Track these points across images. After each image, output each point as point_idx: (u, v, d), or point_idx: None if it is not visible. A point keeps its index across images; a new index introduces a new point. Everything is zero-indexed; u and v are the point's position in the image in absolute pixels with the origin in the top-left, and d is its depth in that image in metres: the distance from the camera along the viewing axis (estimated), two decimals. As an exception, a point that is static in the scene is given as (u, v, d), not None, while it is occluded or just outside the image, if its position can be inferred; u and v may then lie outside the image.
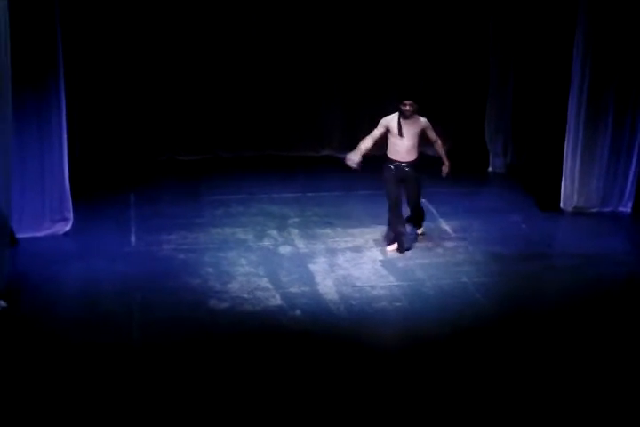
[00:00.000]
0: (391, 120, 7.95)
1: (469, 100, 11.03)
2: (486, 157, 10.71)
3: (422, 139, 8.08)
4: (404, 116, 7.90)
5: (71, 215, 8.53)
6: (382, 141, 8.02)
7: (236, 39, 10.62)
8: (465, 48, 10.86)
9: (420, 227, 8.58)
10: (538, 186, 9.84)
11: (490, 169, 10.69)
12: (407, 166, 8.02)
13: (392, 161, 8.03)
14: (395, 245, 8.22)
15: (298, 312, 7.10)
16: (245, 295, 7.36)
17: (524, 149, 10.53)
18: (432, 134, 8.08)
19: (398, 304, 7.26)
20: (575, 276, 7.84)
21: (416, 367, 6.34)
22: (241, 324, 6.92)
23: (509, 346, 6.64)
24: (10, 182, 7.37)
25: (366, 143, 7.95)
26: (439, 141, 8.16)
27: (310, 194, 9.81)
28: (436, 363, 6.40)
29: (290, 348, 6.57)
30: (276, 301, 7.28)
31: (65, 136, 8.27)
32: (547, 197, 9.48)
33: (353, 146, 10.98)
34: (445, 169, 8.19)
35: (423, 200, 9.53)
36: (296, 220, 9.06)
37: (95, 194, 9.55)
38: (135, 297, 7.30)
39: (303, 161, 10.98)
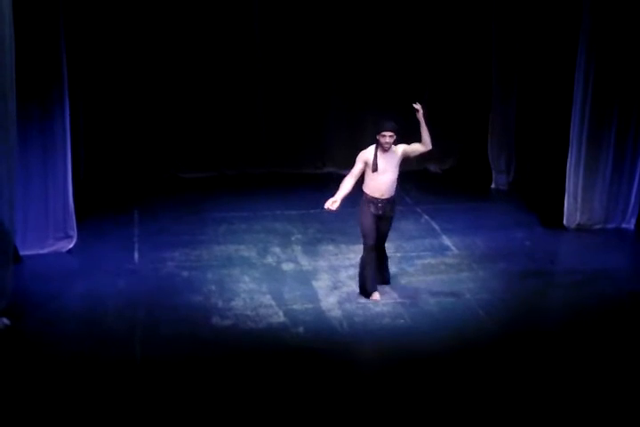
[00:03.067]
0: (369, 154, 7.23)
1: (473, 117, 11.07)
2: (489, 174, 10.73)
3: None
4: (382, 148, 7.19)
5: (75, 233, 8.54)
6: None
7: (240, 58, 10.69)
8: (468, 65, 10.91)
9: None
10: (541, 203, 9.86)
11: (493, 186, 10.71)
12: (388, 203, 7.34)
13: (371, 198, 7.31)
14: (377, 294, 7.50)
15: (301, 329, 7.08)
16: (248, 312, 7.35)
17: (527, 166, 10.56)
18: (412, 146, 7.29)
19: (401, 321, 7.24)
20: (578, 293, 7.82)
21: (419, 384, 6.31)
22: (244, 341, 6.90)
23: (513, 363, 6.61)
24: (14, 200, 7.39)
25: (348, 184, 7.27)
26: (418, 143, 7.29)
27: (313, 211, 9.80)
28: (439, 380, 6.37)
29: (293, 365, 6.56)
30: (279, 318, 7.27)
31: (69, 154, 8.30)
32: (550, 214, 9.49)
33: (355, 163, 11.15)
34: (418, 109, 7.23)
35: (426, 217, 9.60)
36: (299, 237, 9.06)
37: (99, 211, 9.57)
38: (138, 314, 7.30)
39: (306, 178, 11.00)
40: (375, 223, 7.38)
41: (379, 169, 7.21)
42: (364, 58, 10.84)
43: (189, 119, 10.77)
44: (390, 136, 7.15)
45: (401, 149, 7.31)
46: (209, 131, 10.83)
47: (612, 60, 8.75)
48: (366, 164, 7.26)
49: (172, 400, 6.08)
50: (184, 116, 10.75)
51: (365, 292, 7.57)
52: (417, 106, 7.24)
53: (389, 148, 7.20)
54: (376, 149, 7.23)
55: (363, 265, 7.55)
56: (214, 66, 10.64)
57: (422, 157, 10.97)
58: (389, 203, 7.37)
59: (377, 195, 7.32)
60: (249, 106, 10.87)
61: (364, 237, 7.45)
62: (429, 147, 7.36)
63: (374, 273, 7.55)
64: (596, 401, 6.12)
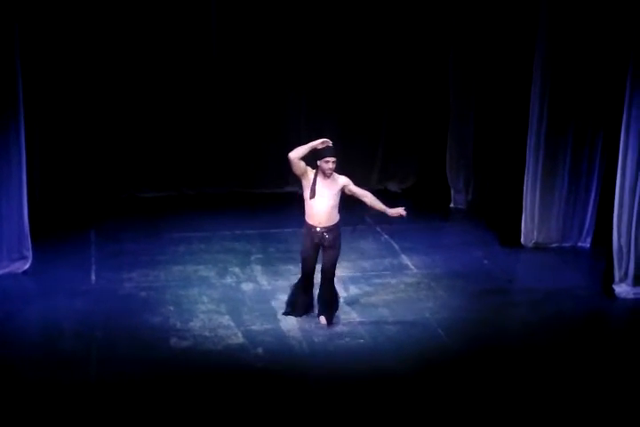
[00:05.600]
0: (310, 173, 7.02)
1: (431, 137, 11.16)
2: (448, 194, 10.80)
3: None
4: (324, 175, 6.99)
5: (30, 254, 8.42)
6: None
7: (199, 76, 10.67)
8: (426, 86, 11.01)
9: (328, 314, 7.37)
10: (499, 222, 9.94)
11: (451, 205, 10.78)
12: (327, 232, 7.06)
13: (309, 226, 7.10)
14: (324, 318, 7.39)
15: (260, 350, 7.03)
16: (207, 333, 7.29)
17: (486, 186, 10.66)
18: (358, 190, 7.09)
19: (361, 341, 7.23)
20: (536, 311, 7.88)
21: (378, 404, 6.29)
22: (202, 363, 6.83)
23: (472, 382, 6.63)
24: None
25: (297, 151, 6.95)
26: (369, 195, 7.13)
27: (273, 230, 9.81)
28: (400, 400, 6.36)
29: (252, 387, 6.50)
30: (238, 339, 7.21)
31: (24, 174, 8.18)
32: (508, 233, 9.56)
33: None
34: (394, 211, 7.16)
35: (385, 236, 9.61)
36: (259, 256, 9.03)
37: (55, 232, 9.44)
38: (95, 336, 7.20)
39: (266, 198, 10.98)
40: (314, 252, 7.19)
41: (316, 196, 7.01)
42: (323, 77, 10.89)
43: (147, 138, 10.69)
44: (333, 162, 6.95)
45: (344, 181, 7.08)
46: (167, 150, 10.77)
47: (567, 81, 8.88)
48: (304, 176, 7.03)
49: (129, 423, 5.99)
50: (141, 136, 10.68)
51: (288, 309, 7.55)
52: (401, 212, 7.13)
53: (331, 174, 7.01)
54: (315, 174, 7.00)
55: (294, 287, 7.55)
56: (172, 84, 10.60)
57: (382, 176, 11.34)
58: (329, 232, 7.09)
59: (314, 223, 7.09)
60: (208, 125, 10.84)
61: (301, 262, 7.36)
62: (371, 199, 7.14)
63: (302, 300, 7.48)
64: (558, 417, 6.15)
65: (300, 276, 7.50)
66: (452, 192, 10.79)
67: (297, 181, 10.88)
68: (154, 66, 10.50)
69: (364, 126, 11.05)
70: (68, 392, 6.32)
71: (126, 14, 10.26)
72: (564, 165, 9.17)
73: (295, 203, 10.71)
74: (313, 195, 6.99)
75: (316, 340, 7.22)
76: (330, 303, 7.45)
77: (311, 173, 7.05)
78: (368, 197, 7.15)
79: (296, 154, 6.93)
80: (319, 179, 7.01)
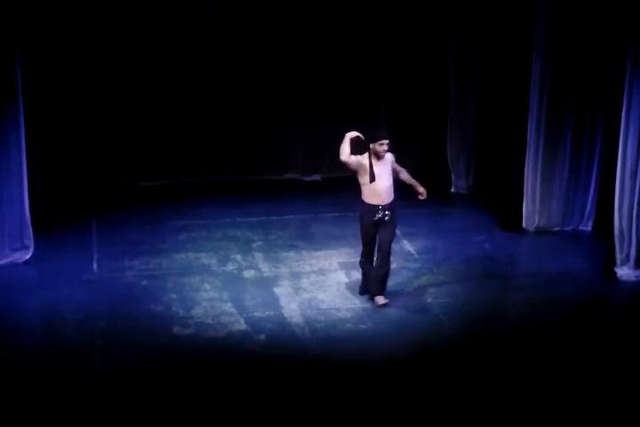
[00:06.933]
0: (363, 160, 7.23)
1: (431, 121, 11.12)
2: (449, 178, 10.78)
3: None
4: (377, 157, 7.22)
5: (31, 243, 8.42)
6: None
7: (198, 64, 10.63)
8: (426, 70, 10.97)
9: (378, 293, 7.56)
10: (500, 206, 9.93)
11: (452, 190, 10.76)
12: (388, 209, 7.36)
13: (370, 207, 7.34)
14: (381, 299, 7.56)
15: (262, 337, 7.05)
16: (209, 321, 7.30)
17: (486, 170, 10.63)
18: (398, 166, 7.47)
19: (363, 326, 7.24)
20: (538, 295, 7.89)
21: (381, 389, 6.31)
22: (205, 350, 6.86)
23: (474, 367, 6.64)
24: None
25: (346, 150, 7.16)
26: (405, 171, 7.56)
27: (274, 217, 9.80)
28: (401, 385, 6.38)
29: (255, 373, 6.52)
30: (241, 326, 7.23)
31: (25, 163, 8.18)
32: (509, 217, 9.56)
33: (315, 169, 11.20)
34: (422, 190, 7.57)
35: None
36: (260, 243, 9.03)
37: (56, 221, 9.43)
38: (97, 325, 7.21)
39: (266, 185, 10.97)
40: (375, 231, 7.43)
41: (376, 178, 7.21)
42: (322, 63, 10.84)
43: (147, 127, 10.66)
44: (388, 144, 7.20)
45: (391, 157, 7.36)
46: (167, 138, 10.74)
47: (567, 65, 8.84)
48: (360, 167, 7.21)
49: (133, 412, 6.01)
50: (141, 124, 10.64)
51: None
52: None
53: (384, 155, 7.24)
54: (370, 158, 7.20)
55: (362, 267, 7.74)
56: (171, 73, 10.57)
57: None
58: (390, 209, 7.36)
59: (377, 202, 7.32)
60: (207, 113, 10.81)
61: (363, 244, 7.59)
62: (406, 174, 7.55)
63: (366, 277, 7.71)
64: (560, 402, 6.16)
65: (362, 257, 7.66)
66: (453, 177, 10.77)
67: (296, 169, 11.10)
68: (152, 55, 10.45)
69: (364, 112, 10.99)
70: (72, 381, 6.34)
71: (120, 4, 10.21)
72: (565, 148, 9.15)
73: (295, 190, 10.79)
74: (373, 178, 7.22)
75: (318, 326, 7.23)
76: (384, 279, 7.59)
77: (364, 159, 7.23)
78: (404, 173, 7.53)
79: (346, 155, 7.17)
80: (374, 161, 7.21)
